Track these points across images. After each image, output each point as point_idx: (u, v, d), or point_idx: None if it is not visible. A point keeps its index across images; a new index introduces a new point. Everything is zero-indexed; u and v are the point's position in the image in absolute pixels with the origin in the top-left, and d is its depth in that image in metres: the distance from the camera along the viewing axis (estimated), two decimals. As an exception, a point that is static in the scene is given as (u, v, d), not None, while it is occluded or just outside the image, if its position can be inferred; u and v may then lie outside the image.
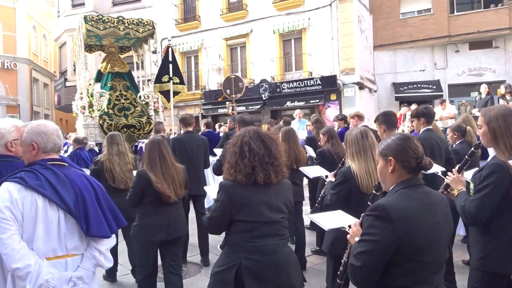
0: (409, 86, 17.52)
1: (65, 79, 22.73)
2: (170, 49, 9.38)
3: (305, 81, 16.54)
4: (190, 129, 5.49)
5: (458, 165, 2.62)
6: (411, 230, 1.65)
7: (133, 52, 11.54)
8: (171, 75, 9.16)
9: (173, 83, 9.22)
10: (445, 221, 1.79)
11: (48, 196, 2.05)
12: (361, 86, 16.52)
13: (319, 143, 5.49)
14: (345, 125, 7.13)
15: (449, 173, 2.58)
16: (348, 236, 1.98)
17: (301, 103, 16.41)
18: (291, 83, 16.79)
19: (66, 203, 2.08)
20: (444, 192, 2.54)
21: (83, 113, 9.48)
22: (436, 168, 3.18)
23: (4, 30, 24.16)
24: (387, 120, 3.85)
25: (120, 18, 9.60)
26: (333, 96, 16.37)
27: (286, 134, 4.71)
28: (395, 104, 17.05)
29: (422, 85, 17.26)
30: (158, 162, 3.41)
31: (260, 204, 2.24)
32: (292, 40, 17.53)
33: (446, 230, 1.80)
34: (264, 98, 17.21)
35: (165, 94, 9.32)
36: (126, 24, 9.47)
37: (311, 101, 16.44)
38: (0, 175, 2.40)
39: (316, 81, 16.28)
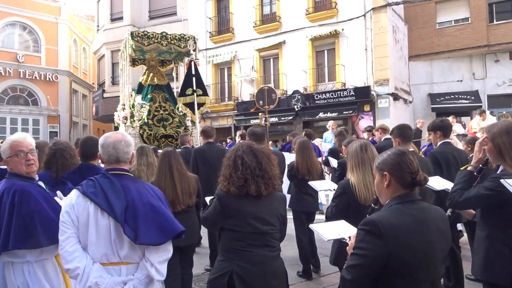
0: (446, 97, 17.07)
1: (103, 91, 23.52)
2: (193, 62, 9.68)
3: (338, 92, 16.42)
4: (211, 140, 5.78)
5: None
6: (401, 247, 1.64)
7: (173, 65, 11.94)
8: (194, 88, 9.42)
9: (197, 95, 9.46)
10: (439, 239, 1.75)
11: (98, 203, 2.13)
12: (395, 97, 16.24)
13: (341, 154, 5.59)
14: (373, 137, 7.13)
15: None
16: (347, 247, 1.94)
17: (334, 114, 16.29)
18: (324, 94, 16.71)
19: (115, 211, 2.13)
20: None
21: (125, 123, 9.88)
22: (446, 184, 3.19)
23: (46, 44, 25.32)
24: (402, 133, 3.87)
25: (164, 33, 10.04)
26: (366, 107, 16.16)
27: (300, 146, 4.82)
28: (431, 115, 16.62)
29: (460, 96, 16.79)
30: (167, 173, 3.65)
31: (249, 215, 2.39)
32: (325, 51, 17.49)
33: (440, 247, 1.76)
34: (296, 109, 17.19)
35: (190, 106, 9.57)
36: (169, 40, 9.92)
37: (344, 112, 16.29)
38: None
39: (350, 92, 16.13)
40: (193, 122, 10.37)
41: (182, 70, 11.66)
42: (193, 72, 9.57)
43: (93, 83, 29.61)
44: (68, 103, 26.58)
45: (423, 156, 4.87)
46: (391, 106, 15.90)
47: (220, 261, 2.48)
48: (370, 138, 7.14)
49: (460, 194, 2.40)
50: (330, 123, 10.51)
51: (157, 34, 9.97)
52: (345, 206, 2.98)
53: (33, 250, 2.55)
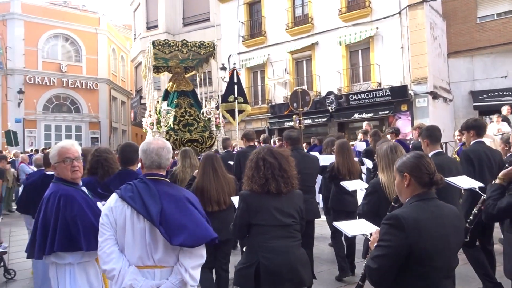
0: (489, 94, 16.28)
1: (140, 97, 24.21)
2: (235, 72, 10.13)
3: (374, 92, 16.06)
4: (252, 143, 5.97)
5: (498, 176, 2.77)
6: (421, 238, 1.85)
7: (195, 71, 12.27)
8: (236, 95, 9.84)
9: (238, 103, 9.90)
10: (454, 232, 1.96)
11: (135, 207, 2.19)
12: (434, 96, 15.68)
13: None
14: (397, 138, 7.15)
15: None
16: (369, 242, 2.17)
17: (370, 115, 15.95)
18: (358, 95, 16.40)
19: (151, 215, 2.17)
20: (482, 207, 2.70)
21: (152, 129, 10.16)
22: (472, 183, 3.25)
23: (87, 53, 26.40)
24: (430, 134, 3.95)
25: (184, 41, 10.37)
26: (404, 107, 15.70)
27: (340, 147, 4.99)
28: (473, 114, 15.94)
29: (505, 93, 15.96)
30: (211, 174, 3.89)
31: (272, 210, 2.65)
32: (359, 51, 17.18)
33: (455, 240, 1.96)
34: (331, 111, 16.97)
35: (231, 112, 10.02)
36: (189, 47, 10.21)
37: (380, 113, 15.91)
38: (47, 196, 2.81)
39: (386, 91, 15.73)
40: (217, 127, 10.56)
41: (213, 74, 11.85)
42: (235, 81, 10.01)
43: (131, 90, 30.57)
44: (108, 110, 27.56)
45: (455, 156, 4.77)
46: (430, 105, 15.37)
47: (247, 253, 2.72)
48: (394, 140, 6.94)
49: (493, 207, 2.48)
50: (365, 124, 10.30)
51: (178, 42, 10.29)
52: (376, 204, 3.13)
53: (75, 253, 2.66)
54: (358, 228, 2.40)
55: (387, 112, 15.75)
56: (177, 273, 2.21)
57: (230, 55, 20.74)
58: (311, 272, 2.74)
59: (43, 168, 5.06)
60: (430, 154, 3.89)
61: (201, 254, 2.28)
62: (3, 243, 5.70)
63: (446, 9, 17.35)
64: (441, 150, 4.04)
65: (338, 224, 2.69)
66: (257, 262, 2.61)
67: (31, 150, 14.93)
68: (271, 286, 2.60)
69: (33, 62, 24.24)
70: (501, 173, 2.68)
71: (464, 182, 3.26)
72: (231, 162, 6.03)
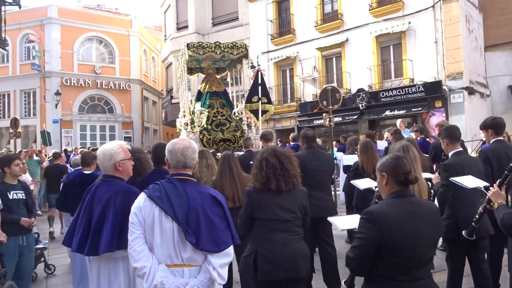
0: (530, 89, 15.59)
1: (171, 97, 24.63)
2: (260, 73, 10.31)
3: (406, 89, 15.66)
4: (271, 144, 6.02)
5: (498, 180, 2.72)
6: (391, 231, 2.03)
7: (227, 72, 12.57)
8: (260, 96, 10.05)
9: (262, 103, 10.13)
10: (427, 226, 2.11)
11: (162, 207, 2.23)
12: (470, 91, 15.14)
13: None
14: (422, 136, 7.05)
15: (490, 188, 2.73)
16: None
17: (402, 112, 15.57)
18: (390, 91, 16.03)
19: (177, 216, 2.20)
20: (487, 206, 2.71)
21: (186, 129, 10.47)
22: (478, 183, 3.24)
23: (120, 55, 27.08)
24: (450, 134, 3.93)
25: (217, 43, 10.68)
26: (438, 103, 15.24)
27: (364, 146, 5.07)
28: (512, 110, 15.31)
29: (546, 87, 15.25)
30: (228, 173, 4.08)
31: (273, 206, 2.86)
32: (391, 47, 16.79)
33: (428, 233, 2.11)
34: (361, 108, 16.68)
35: (255, 112, 10.23)
36: (222, 48, 10.53)
37: (413, 109, 15.50)
38: (100, 195, 2.73)
39: (419, 88, 15.32)
40: (248, 126, 10.82)
41: (244, 74, 12.11)
42: (260, 82, 10.22)
43: (162, 90, 31.13)
44: (140, 110, 28.19)
45: (477, 155, 4.73)
46: (466, 101, 14.85)
47: (250, 244, 2.98)
48: (419, 138, 6.87)
49: (507, 219, 2.49)
50: (398, 121, 10.03)
51: (211, 44, 10.64)
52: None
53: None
54: (350, 222, 2.49)
55: (420, 108, 15.33)
56: (206, 271, 2.24)
57: (259, 54, 20.76)
58: (310, 265, 2.89)
59: (80, 167, 5.24)
60: (450, 154, 3.93)
61: (229, 253, 2.31)
62: (43, 240, 5.94)
63: (482, 1, 16.72)
64: (461, 149, 4.00)
65: (331, 219, 2.84)
66: (256, 252, 2.85)
67: (65, 150, 15.45)
68: (267, 274, 2.80)
69: (69, 64, 25.10)
70: (492, 198, 2.71)
71: (470, 181, 3.21)
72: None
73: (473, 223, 3.04)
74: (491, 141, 4.28)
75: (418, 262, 2.10)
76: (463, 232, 3.21)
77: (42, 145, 13.16)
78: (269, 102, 10.57)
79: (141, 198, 2.32)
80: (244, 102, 10.79)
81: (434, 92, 15.07)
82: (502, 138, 4.27)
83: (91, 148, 13.06)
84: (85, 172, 4.93)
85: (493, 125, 4.27)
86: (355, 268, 2.20)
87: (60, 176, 8.51)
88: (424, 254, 2.12)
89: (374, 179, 4.58)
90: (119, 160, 2.80)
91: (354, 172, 5.15)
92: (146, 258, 2.22)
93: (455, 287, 3.73)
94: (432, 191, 4.00)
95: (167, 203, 2.23)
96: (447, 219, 3.66)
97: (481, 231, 3.31)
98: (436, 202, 3.76)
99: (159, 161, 3.60)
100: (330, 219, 2.87)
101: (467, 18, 15.54)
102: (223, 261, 2.28)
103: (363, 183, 4.25)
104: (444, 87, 14.95)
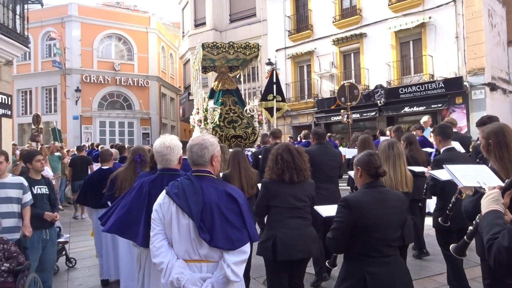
0: (555, 85, 15.14)
1: (189, 93, 24.76)
2: (274, 72, 10.69)
3: (426, 85, 15.40)
4: (279, 141, 6.34)
5: (506, 181, 2.56)
6: (363, 215, 2.43)
7: (240, 70, 12.88)
8: (274, 94, 10.41)
9: (276, 101, 10.48)
10: (394, 211, 2.53)
11: (179, 204, 2.26)
12: (492, 87, 14.80)
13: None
14: (423, 134, 7.30)
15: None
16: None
17: (421, 108, 15.34)
18: (409, 88, 15.80)
19: (192, 213, 2.23)
20: (458, 196, 2.89)
21: (199, 126, 10.76)
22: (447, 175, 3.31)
23: (138, 52, 27.37)
24: (442, 131, 4.32)
25: (231, 43, 11.04)
26: (458, 100, 14.95)
27: (362, 142, 5.24)
28: (536, 106, 14.90)
29: None
30: (237, 167, 4.35)
31: (287, 195, 3.24)
32: (410, 42, 16.52)
33: (394, 217, 2.52)
34: (379, 104, 16.48)
35: (269, 110, 10.63)
36: (236, 48, 10.81)
37: (432, 106, 15.25)
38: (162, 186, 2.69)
39: (439, 84, 15.04)
40: (260, 123, 11.03)
41: (259, 70, 12.35)
42: (274, 80, 10.55)
43: (179, 87, 31.36)
44: (158, 106, 28.46)
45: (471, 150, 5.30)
46: (488, 97, 14.52)
47: (267, 229, 3.32)
48: (419, 136, 7.01)
49: (467, 205, 2.42)
50: (426, 118, 9.71)
51: (225, 44, 10.98)
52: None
53: None
54: (333, 210, 2.71)
55: (440, 105, 15.06)
56: (221, 268, 2.24)
57: (277, 50, 20.70)
58: (319, 247, 3.27)
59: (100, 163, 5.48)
60: (442, 150, 4.34)
61: (244, 251, 2.29)
62: (65, 234, 6.08)
63: (506, -5, 16.28)
64: (453, 146, 4.35)
65: (317, 208, 3.29)
66: (275, 236, 3.19)
67: (85, 146, 15.73)
68: (286, 255, 3.17)
69: (89, 61, 25.51)
70: (461, 189, 2.67)
71: (445, 174, 3.25)
72: None
73: (447, 211, 3.19)
74: None
75: (387, 241, 2.49)
76: (439, 219, 3.41)
77: (52, 141, 13.42)
78: (283, 100, 10.89)
79: (162, 195, 2.38)
80: (255, 100, 11.12)
81: (454, 88, 14.78)
82: None
83: (90, 144, 13.32)
84: (103, 167, 5.18)
85: (487, 123, 4.21)
86: (333, 247, 2.60)
87: (85, 166, 10.07)
88: (392, 235, 2.52)
89: None
90: (182, 156, 2.80)
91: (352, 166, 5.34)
92: (164, 253, 2.27)
93: (458, 276, 3.93)
94: (425, 184, 4.27)
95: (184, 200, 2.27)
96: (438, 211, 3.94)
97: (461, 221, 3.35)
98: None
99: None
100: (316, 207, 3.31)
101: (490, 13, 15.16)
102: (238, 258, 2.26)
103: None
104: (465, 83, 14.65)
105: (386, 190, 2.66)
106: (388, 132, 8.75)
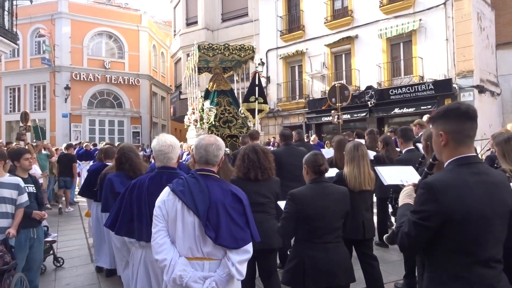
0: (542, 88, 15.38)
1: (180, 92, 24.69)
2: (257, 74, 10.87)
3: (416, 86, 15.54)
4: (257, 141, 6.54)
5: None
6: (306, 206, 2.88)
7: (233, 71, 13.18)
8: (257, 96, 10.64)
9: (258, 103, 10.70)
10: (334, 204, 2.97)
11: (185, 202, 2.30)
12: (481, 90, 14.99)
13: (377, 149, 6.69)
14: (395, 136, 7.48)
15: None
16: None
17: (411, 110, 15.47)
18: (399, 89, 15.92)
19: (199, 211, 2.27)
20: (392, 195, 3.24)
21: (195, 126, 10.94)
22: (402, 178, 3.39)
23: (129, 50, 27.17)
24: (404, 134, 4.87)
25: (226, 45, 11.32)
26: (447, 102, 15.07)
27: (338, 143, 5.65)
28: (524, 109, 15.11)
29: (559, 86, 15.03)
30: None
31: (251, 192, 3.35)
32: (401, 44, 16.65)
33: (334, 209, 2.95)
34: (370, 105, 16.59)
35: (252, 111, 10.83)
36: (231, 50, 11.11)
37: (422, 107, 15.37)
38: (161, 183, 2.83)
39: (428, 85, 15.19)
40: (254, 124, 11.22)
41: (241, 74, 12.68)
42: (257, 83, 10.80)
43: (170, 86, 31.22)
44: (149, 105, 28.30)
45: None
46: (476, 99, 14.70)
47: None
48: (420, 133, 7.09)
49: (405, 225, 2.54)
50: (426, 117, 9.71)
51: (221, 45, 11.25)
52: None
53: None
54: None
55: (429, 106, 15.20)
56: (225, 266, 2.29)
57: (268, 50, 20.72)
58: (278, 238, 3.47)
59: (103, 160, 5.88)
60: (404, 151, 4.88)
61: (248, 250, 2.35)
62: (52, 233, 6.01)
63: (495, -2, 16.50)
64: (413, 147, 4.76)
65: (279, 203, 3.51)
66: None
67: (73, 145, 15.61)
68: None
69: (79, 59, 25.25)
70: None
71: (393, 176, 3.26)
72: None
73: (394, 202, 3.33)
74: None
75: (327, 229, 2.91)
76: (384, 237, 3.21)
77: (35, 139, 13.26)
78: (265, 102, 11.20)
79: (165, 192, 2.39)
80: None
81: (444, 90, 14.94)
82: None
83: (104, 144, 13.48)
84: (107, 162, 5.53)
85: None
86: (282, 234, 3.02)
87: (69, 163, 10.76)
88: (332, 224, 2.94)
89: None
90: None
91: (329, 166, 5.66)
92: (167, 250, 2.28)
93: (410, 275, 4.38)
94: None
95: (189, 197, 2.30)
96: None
97: None
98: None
99: None
100: (278, 202, 3.56)
101: (479, 16, 15.35)
102: (242, 257, 2.32)
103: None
104: (454, 85, 14.81)
105: (329, 185, 3.06)
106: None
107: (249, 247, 2.37)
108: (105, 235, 5.11)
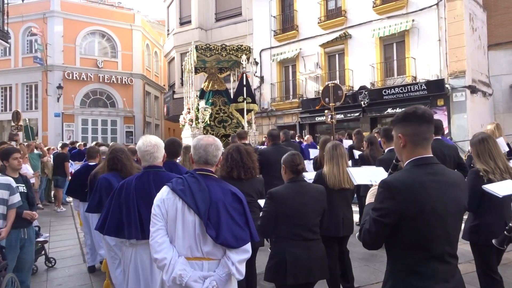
0: (533, 88, 15.53)
1: (173, 92, 24.60)
2: (244, 75, 11.06)
3: (408, 87, 15.61)
4: (245, 141, 6.76)
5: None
6: (284, 205, 3.00)
7: (229, 72, 13.31)
8: (245, 96, 10.83)
9: (247, 103, 10.91)
10: (312, 202, 3.08)
11: (186, 201, 2.29)
12: (473, 90, 15.10)
13: (362, 148, 6.90)
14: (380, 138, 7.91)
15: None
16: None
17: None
18: (392, 89, 15.99)
19: (200, 210, 2.27)
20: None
21: (191, 125, 11.03)
22: (372, 179, 3.42)
23: (122, 49, 27.04)
24: (386, 134, 5.02)
25: (223, 45, 11.49)
26: (440, 102, 15.20)
27: (323, 142, 5.83)
28: (515, 109, 15.25)
29: (549, 87, 15.19)
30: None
31: None
32: (394, 44, 16.73)
33: (312, 207, 3.07)
34: (363, 105, 16.65)
35: (240, 111, 11.05)
36: (228, 51, 11.30)
37: (415, 108, 15.44)
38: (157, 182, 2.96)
39: (421, 86, 15.27)
40: (249, 123, 11.44)
41: (248, 70, 12.70)
42: (244, 83, 10.97)
43: (164, 85, 31.10)
44: (142, 105, 28.17)
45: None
46: (468, 99, 14.81)
47: None
48: (380, 139, 7.40)
49: (367, 223, 2.62)
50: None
51: (218, 46, 11.48)
52: None
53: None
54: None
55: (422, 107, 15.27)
56: (224, 266, 2.30)
57: (262, 50, 20.72)
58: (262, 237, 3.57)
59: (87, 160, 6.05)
60: (386, 150, 5.13)
61: (247, 250, 2.36)
62: (44, 233, 5.97)
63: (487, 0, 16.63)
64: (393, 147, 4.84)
65: (259, 201, 3.63)
66: None
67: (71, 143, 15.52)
68: None
69: (71, 58, 25.08)
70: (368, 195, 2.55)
71: (361, 178, 3.34)
72: None
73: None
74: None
75: (306, 226, 3.02)
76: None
77: (25, 139, 13.16)
78: (253, 101, 11.34)
79: (165, 191, 2.38)
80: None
81: (436, 91, 15.03)
82: (439, 137, 5.10)
83: (96, 143, 13.53)
84: (90, 163, 5.67)
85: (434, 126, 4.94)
86: (262, 232, 3.07)
87: (61, 162, 10.81)
88: (310, 221, 3.05)
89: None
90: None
91: (314, 164, 6.31)
92: (167, 250, 2.27)
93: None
94: None
95: (190, 196, 2.29)
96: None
97: None
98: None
99: (173, 154, 4.32)
100: (258, 201, 3.69)
101: (471, 17, 15.47)
102: (241, 257, 2.33)
103: (309, 175, 4.65)
104: (446, 85, 14.91)
105: (307, 184, 3.19)
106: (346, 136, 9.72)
107: (248, 246, 2.37)
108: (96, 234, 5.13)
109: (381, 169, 3.30)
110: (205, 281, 2.26)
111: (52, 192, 11.73)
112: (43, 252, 5.69)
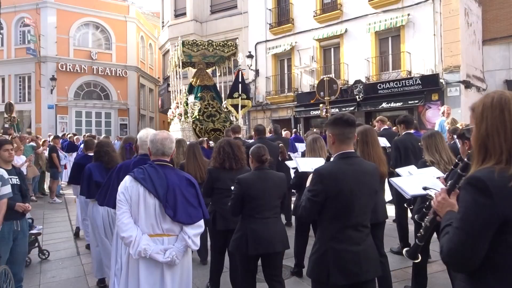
0: (526, 84, 15.62)
1: (168, 85, 24.40)
2: (240, 72, 11.39)
3: (403, 81, 15.65)
4: (239, 135, 7.02)
5: (449, 182, 1.81)
6: (249, 189, 3.39)
7: (215, 66, 13.62)
8: (240, 92, 11.16)
9: (242, 99, 11.24)
10: (273, 186, 3.49)
11: (146, 187, 2.72)
12: (467, 85, 15.16)
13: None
14: (385, 126, 7.83)
15: (435, 193, 1.85)
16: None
17: (398, 104, 15.59)
18: (387, 83, 16.02)
19: (158, 194, 2.70)
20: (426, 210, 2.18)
21: (180, 119, 11.22)
22: (313, 165, 3.54)
23: (117, 41, 26.81)
24: (407, 120, 5.61)
25: (210, 41, 11.84)
26: (434, 96, 15.25)
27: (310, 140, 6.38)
28: (508, 104, 15.32)
29: (543, 82, 15.28)
30: (192, 158, 5.02)
31: (226, 179, 3.92)
32: (389, 39, 16.73)
33: (273, 191, 3.48)
34: (358, 100, 16.67)
35: (235, 107, 11.39)
36: (214, 46, 11.60)
37: (409, 102, 15.51)
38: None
39: (416, 80, 15.31)
40: (237, 118, 11.67)
41: (241, 63, 12.80)
42: (240, 80, 11.27)
43: (158, 77, 30.93)
44: (136, 97, 28.01)
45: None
46: (462, 94, 14.87)
47: (210, 206, 4.06)
48: (382, 128, 7.50)
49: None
50: (444, 108, 9.06)
51: (204, 41, 11.82)
52: (300, 181, 4.22)
53: None
54: None
55: (416, 101, 15.35)
56: (182, 239, 2.76)
57: (257, 43, 20.64)
58: None
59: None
60: (403, 133, 5.50)
61: (200, 225, 2.85)
62: (37, 225, 5.94)
63: (482, -6, 16.65)
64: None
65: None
66: (215, 211, 4.04)
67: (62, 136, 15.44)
68: (223, 226, 3.99)
69: (65, 49, 24.84)
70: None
71: (304, 166, 3.94)
72: None
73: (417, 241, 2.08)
74: (402, 133, 5.65)
75: (267, 207, 3.44)
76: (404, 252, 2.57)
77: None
78: (248, 98, 11.66)
79: (128, 180, 2.77)
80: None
81: (431, 85, 15.07)
82: (411, 131, 5.54)
83: (87, 135, 13.54)
84: (89, 154, 5.92)
85: (404, 121, 5.67)
86: (231, 212, 3.51)
87: (50, 154, 11.01)
88: (271, 203, 3.48)
89: None
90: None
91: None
92: (132, 229, 2.68)
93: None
94: None
95: (150, 183, 2.71)
96: None
97: None
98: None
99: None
100: None
101: (466, 11, 15.49)
102: (196, 231, 2.81)
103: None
104: (441, 80, 14.96)
105: (270, 172, 3.59)
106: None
107: (201, 222, 2.86)
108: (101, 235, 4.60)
109: (322, 159, 3.87)
110: (165, 252, 2.68)
111: (47, 185, 11.65)
112: (36, 244, 5.67)
